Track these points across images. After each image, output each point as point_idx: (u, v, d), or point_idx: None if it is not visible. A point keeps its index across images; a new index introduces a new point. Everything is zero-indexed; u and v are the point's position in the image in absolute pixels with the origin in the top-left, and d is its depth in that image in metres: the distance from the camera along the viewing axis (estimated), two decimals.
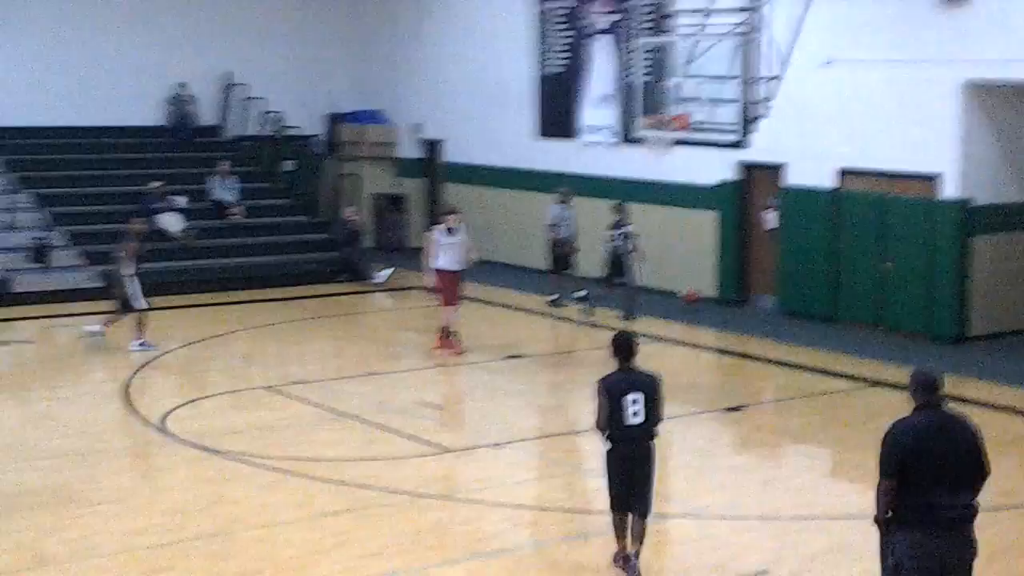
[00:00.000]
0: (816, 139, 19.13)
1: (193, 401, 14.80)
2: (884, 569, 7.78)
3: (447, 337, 16.94)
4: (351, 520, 10.98)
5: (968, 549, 7.57)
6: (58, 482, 12.00)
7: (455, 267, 16.94)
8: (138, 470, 12.26)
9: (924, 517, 7.45)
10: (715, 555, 10.40)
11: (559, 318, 19.91)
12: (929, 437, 7.48)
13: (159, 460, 12.55)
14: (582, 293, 19.92)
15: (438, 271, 16.87)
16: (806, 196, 19.29)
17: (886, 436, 7.55)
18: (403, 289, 21.88)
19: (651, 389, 9.43)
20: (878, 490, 7.57)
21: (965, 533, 7.55)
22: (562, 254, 20.45)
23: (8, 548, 10.12)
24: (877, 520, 7.70)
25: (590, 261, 20.46)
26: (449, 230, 16.97)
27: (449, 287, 16.93)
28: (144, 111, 25.23)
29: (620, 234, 19.28)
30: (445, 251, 16.90)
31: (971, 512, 7.55)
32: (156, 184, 22.80)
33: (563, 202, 20.61)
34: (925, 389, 7.64)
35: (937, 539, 7.45)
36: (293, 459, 12.49)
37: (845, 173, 18.86)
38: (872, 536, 10.52)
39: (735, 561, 10.19)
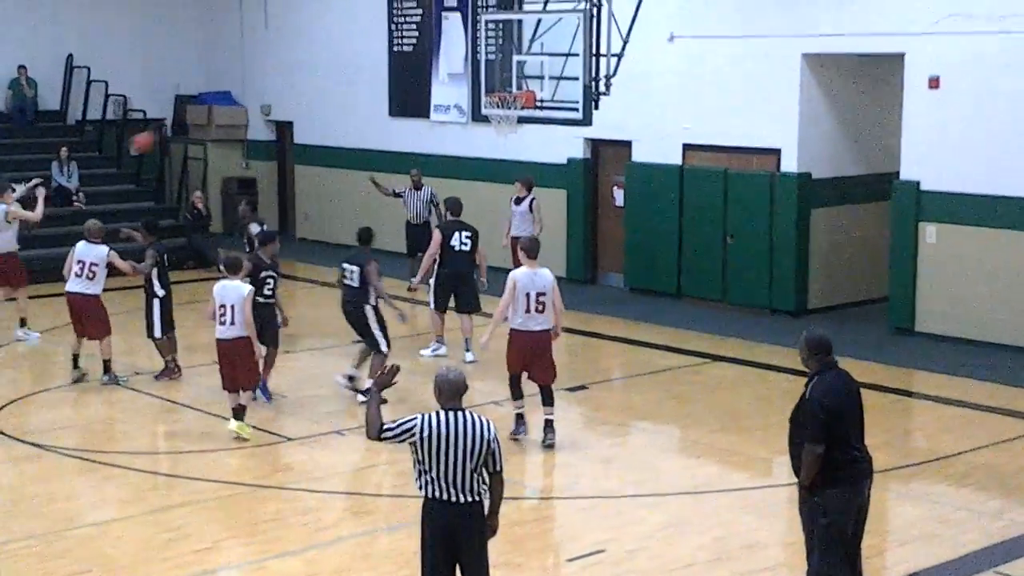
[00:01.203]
0: (661, 115, 19.30)
1: (29, 396, 14.39)
2: (816, 530, 8.13)
3: None
4: (187, 514, 10.81)
5: (868, 495, 8.24)
6: None
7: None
8: None
9: (850, 471, 8.03)
10: (552, 535, 10.48)
11: (413, 302, 19.78)
12: (843, 396, 8.08)
13: None
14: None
15: None
16: (650, 172, 19.46)
17: (809, 404, 7.99)
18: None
19: None
20: (807, 457, 7.98)
21: (871, 480, 8.22)
22: (412, 236, 20.24)
23: None
24: (804, 486, 8.09)
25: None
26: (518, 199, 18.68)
27: None
28: None
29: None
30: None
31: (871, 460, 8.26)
32: None
33: (414, 184, 20.39)
34: (825, 351, 8.17)
35: (859, 489, 8.11)
36: (129, 453, 12.25)
37: (688, 148, 19.07)
38: (705, 511, 10.78)
39: (572, 541, 10.27)
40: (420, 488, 7.63)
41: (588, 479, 11.52)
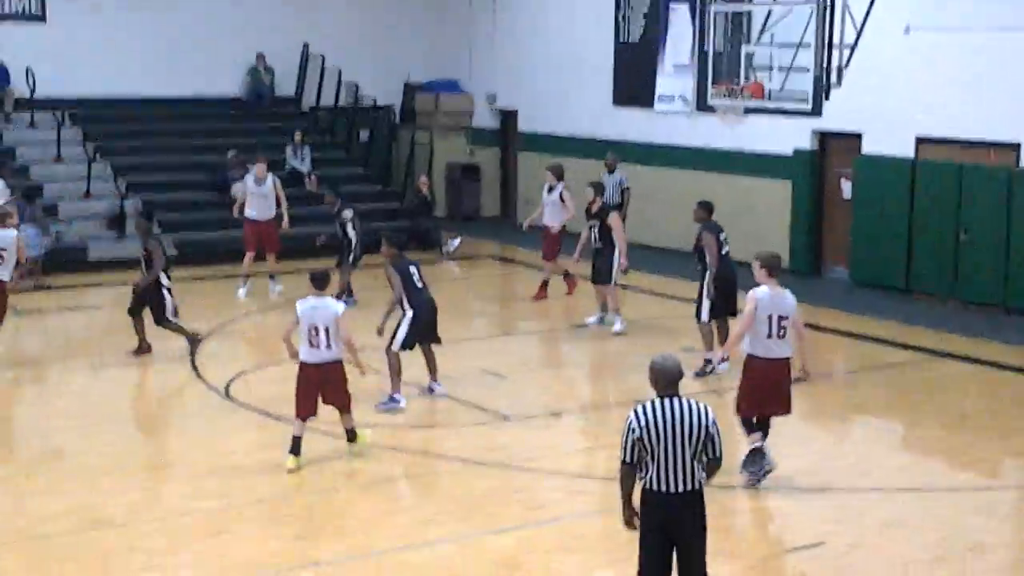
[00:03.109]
0: (893, 107, 18.79)
1: (259, 368, 14.90)
2: None
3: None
4: (407, 487, 11.07)
5: None
6: (122, 446, 12.18)
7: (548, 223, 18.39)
8: (199, 435, 12.36)
9: None
10: (772, 527, 10.30)
11: (622, 286, 19.73)
12: None
13: (220, 425, 12.65)
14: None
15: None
16: (881, 165, 18.96)
17: None
18: (473, 258, 21.84)
19: None
20: None
21: None
22: None
23: (71, 509, 10.31)
24: None
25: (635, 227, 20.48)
26: (550, 188, 18.31)
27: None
28: (222, 82, 25.45)
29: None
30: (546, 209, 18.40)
31: None
32: (232, 154, 23.00)
33: (608, 168, 20.37)
34: None
35: None
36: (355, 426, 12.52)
37: (921, 141, 18.51)
38: (929, 509, 10.46)
39: (792, 534, 10.08)
40: (639, 479, 7.61)
41: (808, 472, 11.28)
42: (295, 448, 11.25)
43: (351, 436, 11.62)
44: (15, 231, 14.79)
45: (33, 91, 22.82)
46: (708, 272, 14.19)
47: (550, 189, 18.40)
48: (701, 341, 14.48)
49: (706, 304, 14.28)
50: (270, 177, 18.74)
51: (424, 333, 13.20)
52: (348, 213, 17.82)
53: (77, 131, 23.27)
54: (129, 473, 11.31)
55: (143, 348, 15.11)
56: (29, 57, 23.03)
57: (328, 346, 11.17)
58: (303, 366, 11.28)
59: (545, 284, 18.50)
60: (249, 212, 18.66)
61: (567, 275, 18.60)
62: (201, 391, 13.88)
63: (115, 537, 9.76)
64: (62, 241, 20.67)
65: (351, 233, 17.80)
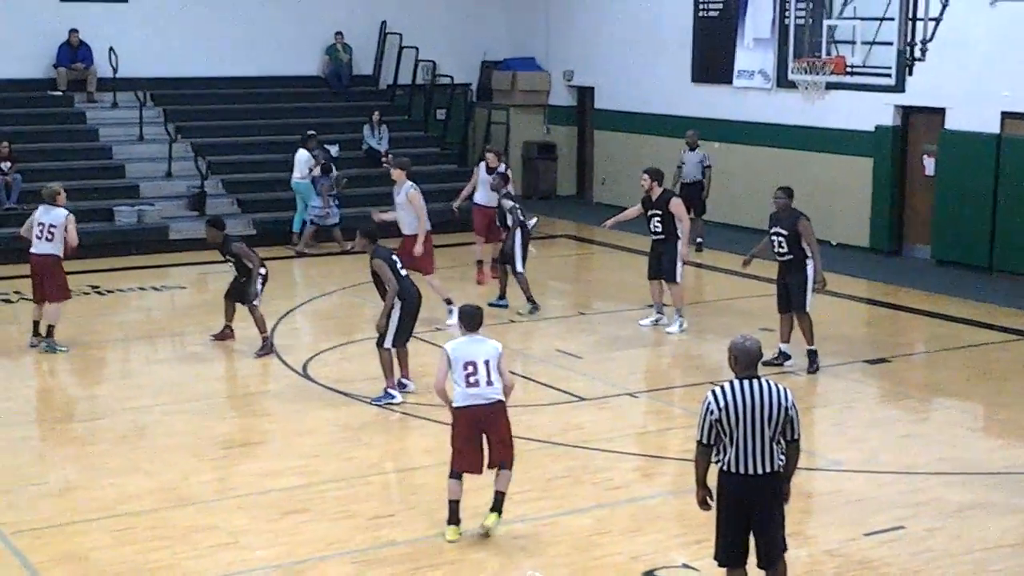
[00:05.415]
0: (978, 82, 18.46)
1: (337, 347, 15.00)
2: None
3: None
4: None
5: None
6: (202, 425, 12.32)
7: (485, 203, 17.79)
8: (278, 414, 12.49)
9: None
10: (851, 509, 10.18)
11: (700, 265, 19.63)
12: None
13: (299, 405, 12.76)
14: (699, 240, 19.88)
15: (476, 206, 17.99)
16: (965, 141, 18.63)
17: None
18: (550, 237, 21.79)
19: None
20: None
21: None
22: (685, 195, 19.84)
23: (152, 488, 10.46)
24: None
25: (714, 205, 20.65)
26: (489, 168, 17.68)
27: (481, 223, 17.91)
28: (300, 61, 25.57)
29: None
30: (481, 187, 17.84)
31: None
32: (310, 133, 23.11)
33: (688, 146, 20.30)
34: None
35: None
36: (429, 405, 12.56)
37: (1007, 116, 18.17)
38: (1012, 493, 10.28)
39: (869, 515, 9.96)
40: (716, 461, 7.60)
41: (888, 454, 11.16)
42: (454, 516, 9.54)
43: (500, 503, 9.62)
44: (65, 210, 14.66)
45: (116, 71, 23.11)
46: (812, 261, 13.49)
47: (490, 170, 17.62)
48: (804, 334, 13.62)
49: (811, 295, 13.59)
50: (406, 185, 15.60)
51: (411, 326, 12.66)
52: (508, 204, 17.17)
53: (158, 111, 23.53)
54: (210, 452, 11.45)
55: (226, 333, 15.07)
56: (111, 37, 23.32)
57: (489, 382, 9.45)
58: (460, 413, 9.49)
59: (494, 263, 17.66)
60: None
61: (493, 263, 17.66)
62: (280, 371, 14.01)
63: (197, 514, 9.90)
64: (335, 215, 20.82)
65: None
